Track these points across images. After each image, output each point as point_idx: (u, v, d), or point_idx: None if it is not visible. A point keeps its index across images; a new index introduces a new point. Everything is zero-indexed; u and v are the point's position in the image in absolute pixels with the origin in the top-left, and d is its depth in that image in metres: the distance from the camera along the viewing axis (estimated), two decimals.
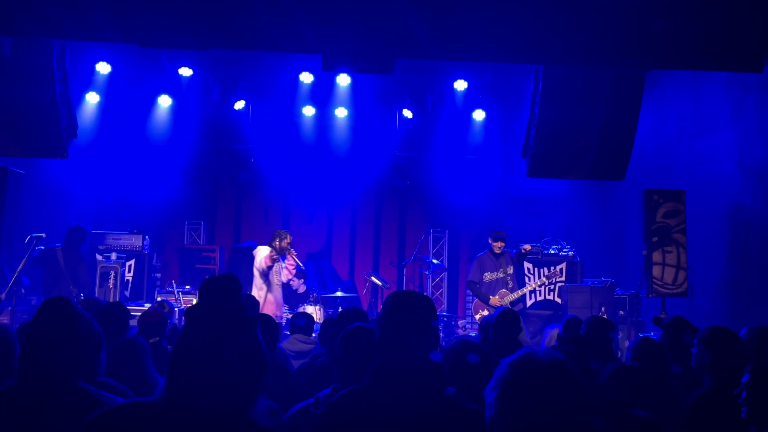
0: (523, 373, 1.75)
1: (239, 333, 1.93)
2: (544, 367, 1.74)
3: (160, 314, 5.05)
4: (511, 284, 9.02)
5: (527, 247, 9.14)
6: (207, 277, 2.15)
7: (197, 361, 1.88)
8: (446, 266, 12.31)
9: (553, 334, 6.51)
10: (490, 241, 9.17)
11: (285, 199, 12.57)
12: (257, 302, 5.47)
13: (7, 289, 8.01)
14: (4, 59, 7.12)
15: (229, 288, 2.02)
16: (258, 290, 8.77)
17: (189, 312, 2.01)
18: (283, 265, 9.05)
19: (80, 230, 9.33)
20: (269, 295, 8.79)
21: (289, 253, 8.97)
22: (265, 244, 9.01)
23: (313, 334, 6.07)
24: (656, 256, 8.39)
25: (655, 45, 6.70)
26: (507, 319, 5.46)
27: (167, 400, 1.91)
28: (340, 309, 9.30)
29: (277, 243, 8.91)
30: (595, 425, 1.75)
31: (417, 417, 2.28)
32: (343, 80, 10.48)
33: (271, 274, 8.85)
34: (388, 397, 2.33)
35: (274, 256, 8.80)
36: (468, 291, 11.15)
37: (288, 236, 9.03)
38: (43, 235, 8.53)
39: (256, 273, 8.85)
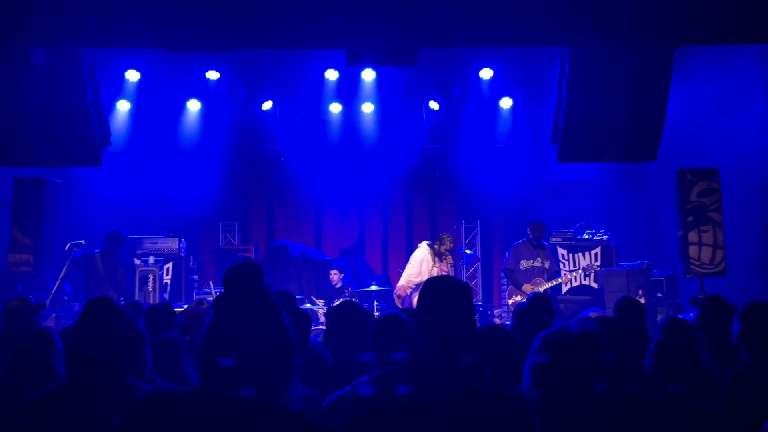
0: (554, 344, 1.76)
1: (263, 319, 1.96)
2: (574, 337, 1.75)
3: (196, 312, 5.14)
4: (547, 276, 9.04)
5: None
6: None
7: (224, 350, 1.92)
8: (479, 256, 12.29)
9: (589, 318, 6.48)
10: (528, 232, 9.24)
11: (316, 197, 12.67)
12: (293, 297, 5.52)
13: (51, 296, 8.20)
14: (37, 71, 7.28)
15: (250, 275, 2.05)
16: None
17: (216, 302, 2.06)
18: (436, 266, 8.93)
19: (118, 236, 9.51)
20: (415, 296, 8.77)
21: (445, 259, 8.89)
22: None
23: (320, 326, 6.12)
24: (692, 236, 8.28)
25: (681, 21, 6.59)
26: (538, 303, 5.45)
27: (201, 389, 1.96)
28: (375, 303, 9.39)
29: (437, 246, 8.94)
30: (629, 390, 1.76)
31: (454, 398, 2.30)
32: (368, 75, 10.51)
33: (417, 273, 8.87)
34: (425, 379, 2.34)
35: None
36: (503, 280, 11.15)
37: (447, 241, 8.96)
38: (83, 242, 8.73)
39: None
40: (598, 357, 1.72)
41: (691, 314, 7.50)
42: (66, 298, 9.14)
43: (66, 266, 8.29)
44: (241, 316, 1.94)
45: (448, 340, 2.42)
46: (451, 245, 8.92)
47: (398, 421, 2.29)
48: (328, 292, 10.23)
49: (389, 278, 12.04)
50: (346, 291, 10.03)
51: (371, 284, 10.31)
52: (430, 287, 2.57)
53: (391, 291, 11.06)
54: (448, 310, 2.46)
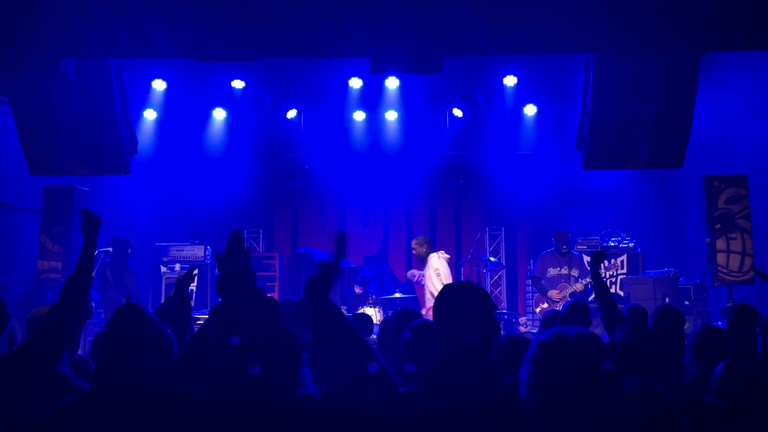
0: (550, 349, 1.77)
1: (261, 318, 2.04)
2: (569, 341, 1.76)
3: None
4: (573, 281, 8.97)
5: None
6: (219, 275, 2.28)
7: (229, 355, 2.00)
8: (504, 263, 12.23)
9: None
10: (554, 241, 9.20)
11: (340, 204, 12.71)
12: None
13: None
14: (68, 81, 7.39)
15: (241, 280, 2.14)
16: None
17: (212, 312, 2.14)
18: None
19: (122, 240, 9.50)
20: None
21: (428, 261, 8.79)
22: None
23: (373, 336, 6.12)
24: (720, 244, 8.18)
25: (708, 26, 6.50)
26: (575, 312, 5.37)
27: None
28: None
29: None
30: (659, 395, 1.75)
31: (473, 404, 2.29)
32: (392, 83, 10.54)
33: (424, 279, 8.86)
34: (445, 386, 2.34)
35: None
36: (528, 287, 11.09)
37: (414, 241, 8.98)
38: (110, 249, 8.84)
39: None
40: (594, 360, 1.72)
41: (719, 323, 7.40)
42: (93, 304, 9.21)
43: (93, 273, 8.39)
44: (235, 319, 2.06)
45: (464, 347, 2.39)
46: (423, 243, 8.86)
47: (413, 423, 2.30)
48: (351, 298, 10.25)
49: (413, 286, 12.01)
50: (369, 298, 10.04)
51: (395, 292, 10.30)
52: (445, 293, 2.56)
53: (415, 299, 11.05)
54: (463, 314, 2.43)
